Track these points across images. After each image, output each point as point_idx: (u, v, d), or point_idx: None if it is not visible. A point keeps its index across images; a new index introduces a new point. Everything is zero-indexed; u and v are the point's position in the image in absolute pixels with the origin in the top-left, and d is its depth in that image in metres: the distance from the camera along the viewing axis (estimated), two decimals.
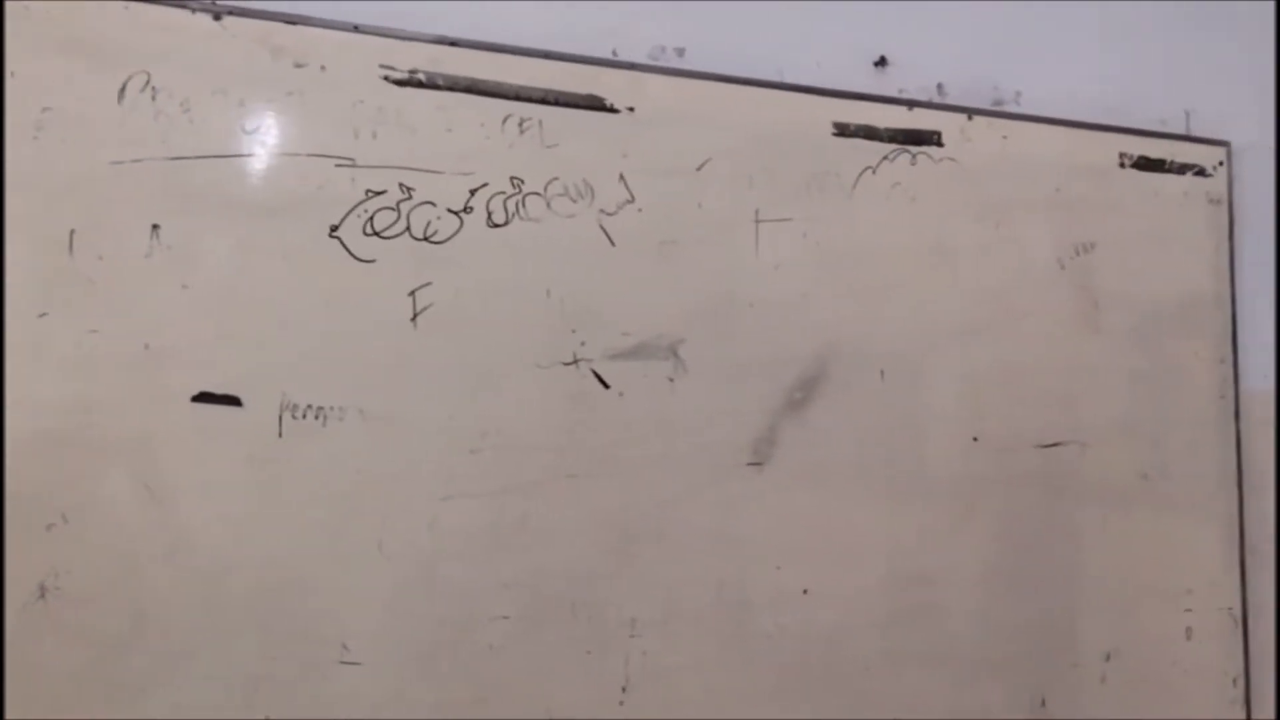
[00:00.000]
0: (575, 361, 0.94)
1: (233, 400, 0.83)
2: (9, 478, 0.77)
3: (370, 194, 0.88)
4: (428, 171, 0.90)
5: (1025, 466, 1.09)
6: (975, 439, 1.07)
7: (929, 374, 1.06)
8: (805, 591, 1.01)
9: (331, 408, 0.86)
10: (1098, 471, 1.12)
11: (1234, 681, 1.15)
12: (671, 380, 0.97)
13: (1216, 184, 1.19)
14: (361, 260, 0.87)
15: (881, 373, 1.04)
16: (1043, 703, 1.08)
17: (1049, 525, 1.10)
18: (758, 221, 1.01)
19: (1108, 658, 1.10)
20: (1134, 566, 1.12)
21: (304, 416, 0.85)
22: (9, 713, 0.77)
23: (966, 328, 1.08)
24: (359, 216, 0.87)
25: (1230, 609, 1.15)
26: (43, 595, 0.77)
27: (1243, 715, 1.15)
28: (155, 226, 0.82)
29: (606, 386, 0.95)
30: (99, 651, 0.79)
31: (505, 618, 0.91)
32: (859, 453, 1.03)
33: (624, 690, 0.95)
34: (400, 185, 0.89)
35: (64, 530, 0.78)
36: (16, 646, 0.77)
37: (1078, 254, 1.12)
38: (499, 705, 0.90)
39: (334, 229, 0.87)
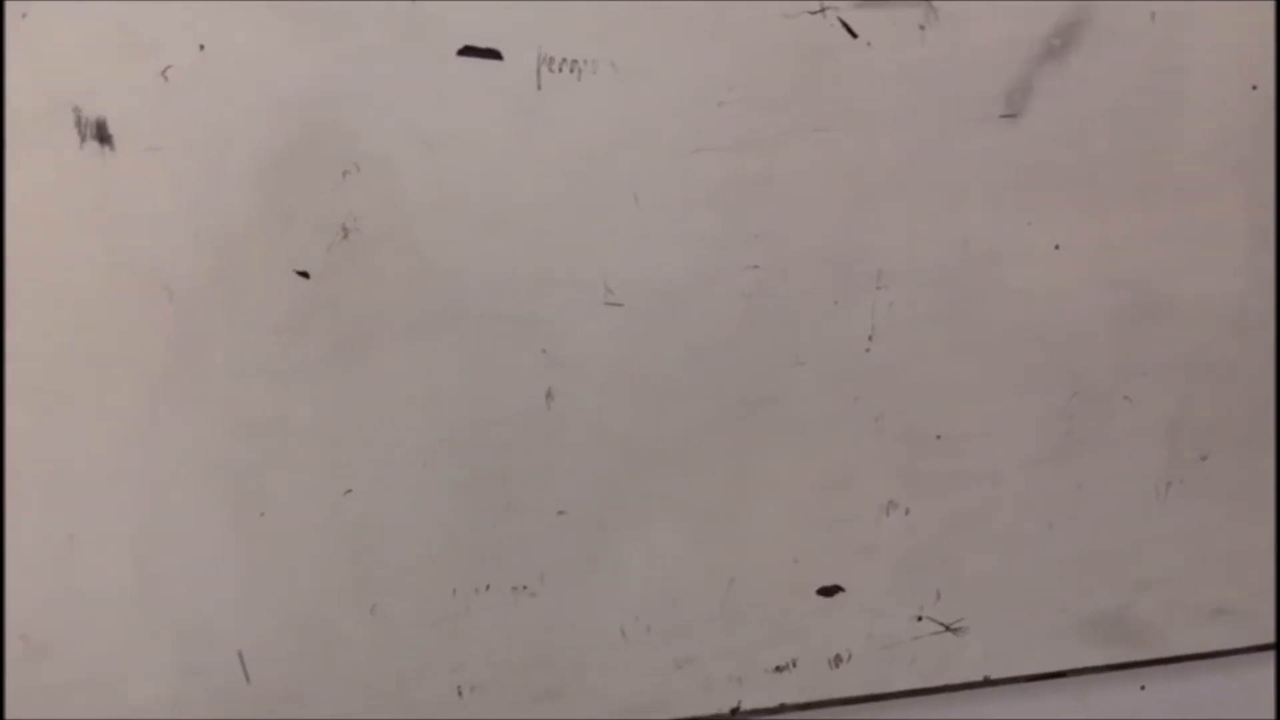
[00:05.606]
0: (822, 10, 0.92)
1: (494, 54, 0.86)
2: (303, 129, 0.84)
3: None
4: None
5: None
6: (1254, 87, 0.99)
7: (1207, 13, 0.98)
8: (1057, 247, 0.99)
9: (585, 60, 0.88)
10: None
11: None
12: (922, 28, 0.93)
13: None
14: None
15: (1153, 15, 0.97)
16: None
17: None
18: None
19: None
20: None
21: (560, 70, 0.88)
22: None
23: None
24: None
25: None
26: (345, 236, 0.86)
27: None
28: None
29: (854, 36, 0.92)
30: (393, 291, 0.88)
31: (755, 267, 0.94)
32: (1121, 102, 0.97)
33: (870, 339, 0.98)
34: None
35: (358, 177, 0.85)
36: (330, 281, 0.87)
37: None
38: (750, 349, 0.95)
39: None
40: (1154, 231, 1.00)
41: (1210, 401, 1.04)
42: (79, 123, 0.81)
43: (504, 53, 0.86)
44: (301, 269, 0.86)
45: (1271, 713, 1.13)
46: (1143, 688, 1.12)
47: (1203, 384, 1.04)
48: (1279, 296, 1.03)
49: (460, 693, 0.98)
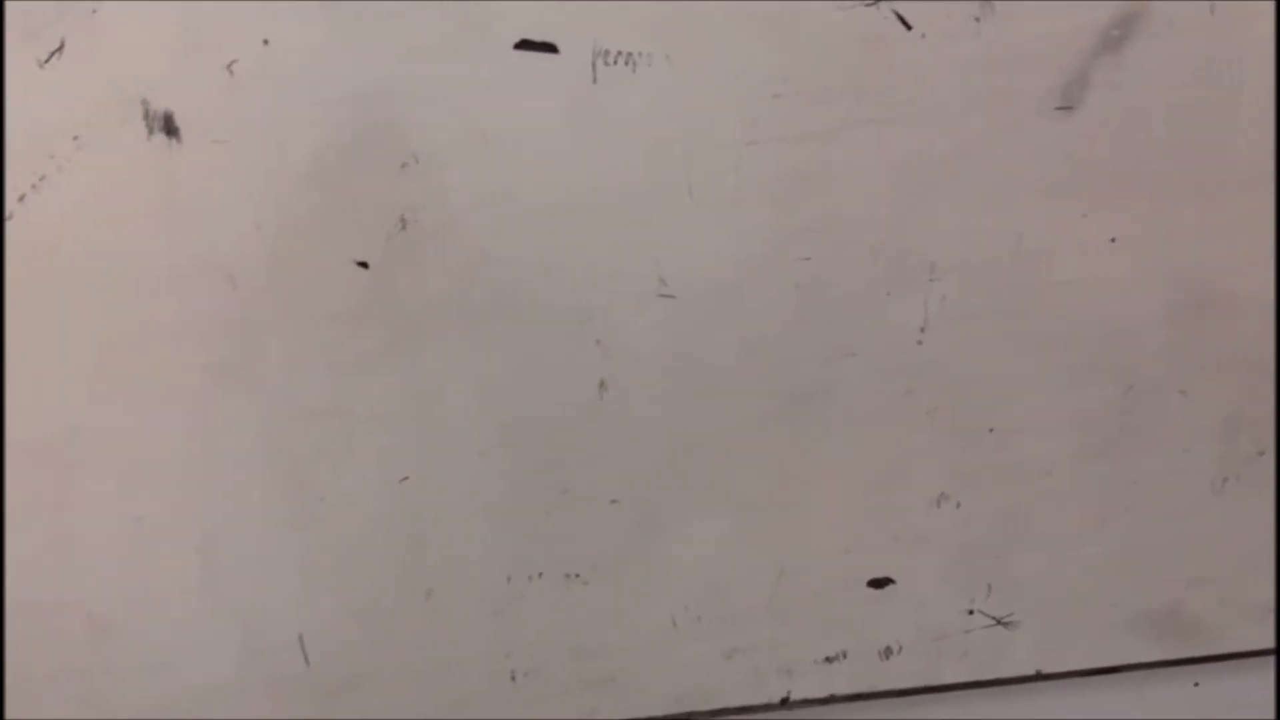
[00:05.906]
0: (876, 2, 0.92)
1: (550, 47, 0.87)
2: (364, 122, 0.85)
3: None
4: None
5: None
6: None
7: (1267, 7, 0.96)
8: (1113, 241, 0.98)
9: (641, 53, 0.88)
10: None
11: None
12: (978, 20, 0.93)
13: None
14: None
15: (1212, 9, 0.96)
16: None
17: None
18: None
19: None
20: None
21: (615, 63, 0.88)
22: None
23: None
24: None
25: None
26: (404, 227, 0.88)
27: None
28: None
29: (909, 28, 0.92)
30: (451, 282, 0.90)
31: (807, 259, 0.95)
32: (1179, 95, 0.96)
33: (922, 331, 0.98)
34: None
35: (416, 169, 0.87)
36: (389, 272, 0.88)
37: None
38: (803, 340, 0.96)
39: None
40: (1211, 226, 0.99)
41: (1268, 396, 1.03)
42: (147, 115, 0.83)
43: (560, 46, 0.87)
44: (361, 260, 0.88)
45: None
46: (1197, 684, 1.11)
47: (1260, 379, 1.03)
48: None
49: (513, 678, 0.99)
